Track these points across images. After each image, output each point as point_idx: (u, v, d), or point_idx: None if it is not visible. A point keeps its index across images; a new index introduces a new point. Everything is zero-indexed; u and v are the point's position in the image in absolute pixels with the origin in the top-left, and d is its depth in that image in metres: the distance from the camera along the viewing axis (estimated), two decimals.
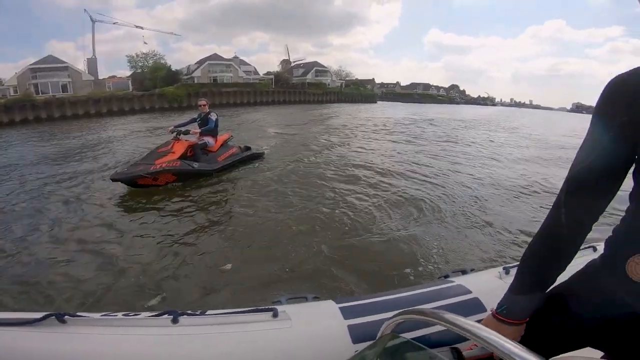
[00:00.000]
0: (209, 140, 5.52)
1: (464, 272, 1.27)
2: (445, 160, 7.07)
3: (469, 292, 1.06)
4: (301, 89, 40.04)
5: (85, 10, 43.35)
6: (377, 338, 0.72)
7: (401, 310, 0.66)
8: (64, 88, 29.64)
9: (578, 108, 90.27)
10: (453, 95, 74.27)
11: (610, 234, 0.63)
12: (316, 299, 1.11)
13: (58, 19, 73.80)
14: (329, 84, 45.41)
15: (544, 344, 0.65)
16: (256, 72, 43.46)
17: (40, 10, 69.18)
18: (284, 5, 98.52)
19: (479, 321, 0.60)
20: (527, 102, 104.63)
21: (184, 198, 4.41)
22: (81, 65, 34.47)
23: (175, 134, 5.22)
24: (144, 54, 40.89)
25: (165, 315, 0.89)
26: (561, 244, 0.62)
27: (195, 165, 5.05)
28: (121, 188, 4.65)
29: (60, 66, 30.57)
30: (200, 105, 5.68)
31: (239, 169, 5.78)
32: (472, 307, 1.00)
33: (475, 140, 10.76)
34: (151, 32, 54.41)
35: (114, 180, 4.46)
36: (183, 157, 4.97)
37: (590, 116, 0.61)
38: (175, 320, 0.87)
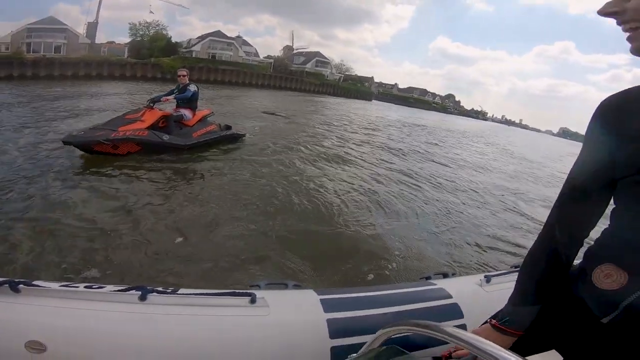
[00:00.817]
0: (185, 113, 5.16)
1: (445, 275, 1.27)
2: (428, 168, 7.13)
3: (450, 296, 1.06)
4: (299, 76, 39.78)
5: None
6: (367, 347, 0.67)
7: (396, 322, 0.63)
8: (58, 49, 28.64)
9: (564, 133, 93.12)
10: (448, 105, 74.76)
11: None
12: (297, 287, 1.09)
13: None
14: (327, 76, 45.25)
15: (516, 343, 0.66)
16: (257, 54, 42.85)
17: None
18: None
19: (458, 327, 0.63)
20: (517, 121, 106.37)
21: (142, 168, 4.12)
22: (81, 29, 33.21)
23: (148, 102, 4.87)
24: (147, 22, 39.70)
25: (133, 291, 0.82)
26: (556, 258, 0.63)
27: (166, 137, 4.68)
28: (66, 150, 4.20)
29: (59, 27, 29.53)
30: (179, 76, 5.24)
31: (215, 148, 5.44)
32: (451, 312, 1.02)
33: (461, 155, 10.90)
34: (160, 2, 52.58)
35: (65, 143, 4.01)
36: (153, 127, 4.62)
37: (573, 142, 0.72)
38: (143, 297, 0.81)
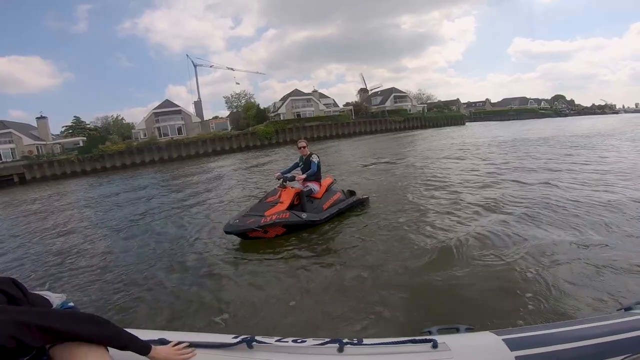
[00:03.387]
0: (313, 186, 5.16)
1: None
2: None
3: None
4: (381, 117, 39.56)
5: (187, 55, 50.81)
6: None
7: None
8: (179, 130, 35.44)
9: None
10: (559, 107, 63.83)
11: None
12: (470, 330, 1.08)
13: (171, 64, 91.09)
14: (409, 110, 43.96)
15: None
16: (335, 104, 44.96)
17: (157, 57, 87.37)
18: (353, 35, 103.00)
19: None
20: None
21: (286, 248, 4.18)
22: (190, 108, 40.81)
23: (281, 181, 4.99)
24: (237, 94, 46.74)
25: (330, 344, 0.93)
26: None
27: (304, 215, 4.73)
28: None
29: (175, 110, 36.73)
30: (300, 147, 5.27)
31: (344, 216, 5.27)
32: None
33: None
34: (241, 73, 63.15)
35: (227, 232, 4.43)
36: (290, 206, 4.73)
37: None
38: (341, 349, 0.90)
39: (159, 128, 34.93)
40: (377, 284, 2.97)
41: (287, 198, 4.75)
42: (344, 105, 44.82)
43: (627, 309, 1.16)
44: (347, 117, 38.58)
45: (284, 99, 43.06)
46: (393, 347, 0.93)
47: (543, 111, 56.09)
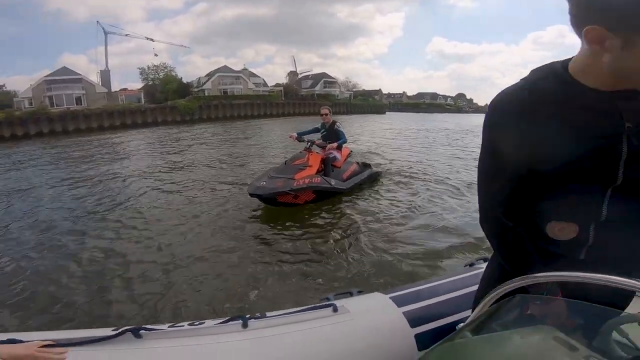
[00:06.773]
0: (337, 154, 4.91)
1: (485, 259, 1.34)
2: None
3: None
4: (311, 100, 40.11)
5: (97, 22, 43.85)
6: (478, 313, 0.72)
7: (511, 281, 0.67)
8: (78, 100, 30.00)
9: None
10: (461, 104, 74.07)
11: None
12: (360, 292, 1.18)
13: (70, 31, 75.36)
14: (337, 96, 45.50)
15: None
16: (265, 84, 43.73)
17: (53, 23, 71.42)
18: (287, 18, 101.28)
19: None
20: None
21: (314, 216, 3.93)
22: (94, 78, 34.85)
23: (308, 144, 4.65)
24: (155, 66, 41.50)
25: (233, 321, 0.91)
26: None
27: (333, 182, 4.44)
28: None
29: (74, 78, 30.91)
30: (322, 115, 4.94)
31: (365, 189, 5.17)
32: None
33: None
34: (161, 44, 55.93)
35: (252, 195, 3.90)
36: (318, 172, 4.44)
37: None
38: (245, 325, 0.89)
39: (51, 97, 28.97)
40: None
41: (315, 163, 4.45)
42: (273, 86, 44.00)
43: (471, 264, 1.37)
44: (277, 98, 38.05)
45: (210, 74, 40.02)
46: (297, 316, 0.96)
47: (448, 107, 64.67)
